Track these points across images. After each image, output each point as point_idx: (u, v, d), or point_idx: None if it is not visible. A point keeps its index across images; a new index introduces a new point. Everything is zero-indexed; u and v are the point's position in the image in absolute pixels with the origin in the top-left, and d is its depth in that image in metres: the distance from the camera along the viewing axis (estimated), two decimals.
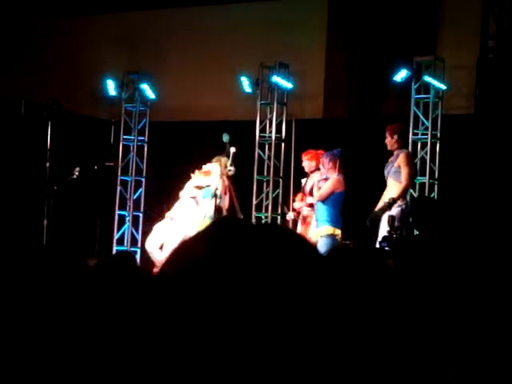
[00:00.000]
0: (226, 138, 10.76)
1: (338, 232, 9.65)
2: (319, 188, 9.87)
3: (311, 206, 10.17)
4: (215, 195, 10.29)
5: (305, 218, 10.31)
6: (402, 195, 9.39)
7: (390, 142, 9.56)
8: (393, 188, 9.41)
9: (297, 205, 10.41)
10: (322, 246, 9.05)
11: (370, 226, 9.28)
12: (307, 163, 10.32)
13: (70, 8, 15.14)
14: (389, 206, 9.02)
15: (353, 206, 9.97)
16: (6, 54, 15.20)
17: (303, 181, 10.52)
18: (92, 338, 1.77)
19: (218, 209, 10.31)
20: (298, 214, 10.48)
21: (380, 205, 9.32)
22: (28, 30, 15.31)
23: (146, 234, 13.09)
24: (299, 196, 10.51)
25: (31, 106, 12.54)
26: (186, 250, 1.24)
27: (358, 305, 1.87)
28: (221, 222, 1.30)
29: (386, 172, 9.53)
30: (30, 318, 1.66)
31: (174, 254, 1.25)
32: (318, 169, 10.20)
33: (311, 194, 10.21)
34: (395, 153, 9.53)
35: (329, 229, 9.60)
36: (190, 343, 1.16)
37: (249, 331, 1.15)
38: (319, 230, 9.68)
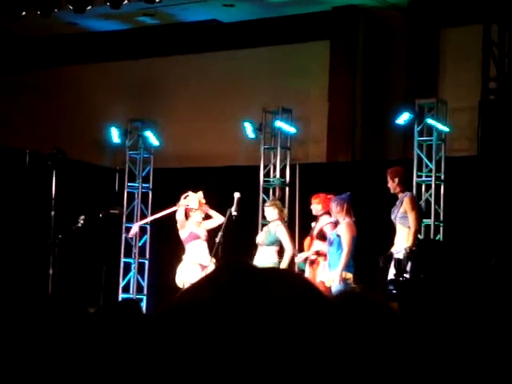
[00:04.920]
0: (275, 181, 11.15)
1: (350, 276, 9.64)
2: (325, 232, 9.93)
3: (317, 252, 10.16)
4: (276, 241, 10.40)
5: (312, 262, 10.28)
6: (415, 240, 9.38)
7: (392, 185, 9.57)
8: (401, 233, 9.40)
9: (304, 254, 10.34)
10: (336, 293, 9.01)
11: (383, 266, 9.26)
12: (315, 206, 10.32)
13: (73, 57, 15.28)
14: (409, 255, 8.95)
15: (360, 249, 9.94)
16: (11, 104, 15.31)
17: (313, 224, 10.51)
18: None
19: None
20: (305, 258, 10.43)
21: (397, 251, 9.26)
22: (31, 80, 15.43)
23: (153, 280, 13.09)
24: (307, 240, 10.48)
25: (36, 156, 12.60)
26: (190, 295, 1.24)
27: (364, 352, 1.86)
28: (227, 266, 1.30)
29: (392, 217, 9.52)
30: (27, 367, 1.65)
31: (177, 297, 1.24)
32: (325, 213, 10.19)
33: (319, 237, 10.21)
34: (399, 197, 9.54)
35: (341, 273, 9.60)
36: None
37: (251, 381, 1.15)
38: (332, 275, 9.67)
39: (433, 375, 2.24)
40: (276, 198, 11.57)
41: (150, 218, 11.17)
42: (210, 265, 10.40)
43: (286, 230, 10.51)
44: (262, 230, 10.83)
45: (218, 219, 10.69)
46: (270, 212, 10.58)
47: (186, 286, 10.37)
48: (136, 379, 1.26)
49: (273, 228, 10.51)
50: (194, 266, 10.64)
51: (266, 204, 10.84)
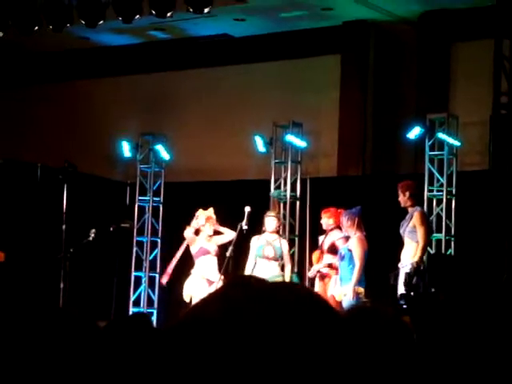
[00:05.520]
0: (275, 194, 11.15)
1: (362, 290, 9.62)
2: (337, 246, 9.93)
3: (330, 265, 10.16)
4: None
5: (323, 277, 10.27)
6: (423, 256, 9.36)
7: (402, 199, 9.55)
8: (409, 248, 9.38)
9: (316, 267, 10.34)
10: (347, 307, 9.01)
11: (394, 283, 9.25)
12: (325, 220, 10.31)
13: (84, 71, 15.35)
14: (416, 270, 8.94)
15: (371, 263, 9.93)
16: (22, 118, 15.37)
17: (320, 238, 10.49)
18: None
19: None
20: (317, 272, 10.42)
21: (403, 265, 9.25)
22: (43, 94, 15.49)
23: (163, 294, 13.07)
24: (316, 253, 10.46)
25: (47, 169, 12.63)
26: (200, 310, 1.23)
27: (377, 365, 1.85)
28: (237, 281, 1.29)
29: (401, 231, 9.51)
30: (38, 381, 1.65)
31: (187, 312, 1.24)
32: (336, 227, 10.18)
33: (329, 251, 10.20)
34: (409, 211, 9.52)
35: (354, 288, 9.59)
36: None
37: None
38: (343, 290, 9.66)
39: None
40: (277, 210, 11.55)
41: (175, 259, 11.10)
42: (218, 280, 10.40)
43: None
44: (258, 243, 10.64)
45: (228, 235, 10.68)
46: (272, 222, 10.55)
47: (194, 300, 10.40)
48: None
49: (276, 242, 10.49)
50: (201, 281, 10.63)
51: (269, 214, 10.74)
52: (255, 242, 10.51)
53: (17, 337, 1.74)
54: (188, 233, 10.83)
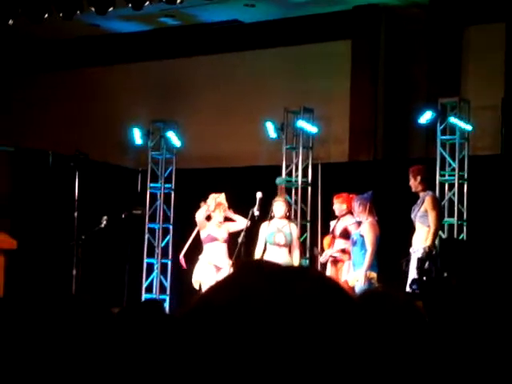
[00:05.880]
0: (279, 181, 11.09)
1: (374, 275, 9.63)
2: (350, 231, 9.94)
3: (343, 250, 10.17)
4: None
5: (336, 262, 10.28)
6: (435, 240, 9.35)
7: (413, 184, 9.53)
8: (420, 232, 9.37)
9: (328, 252, 10.34)
10: (360, 292, 9.02)
11: (405, 269, 9.26)
12: (338, 206, 10.31)
13: (95, 59, 15.35)
14: (428, 254, 8.93)
15: (383, 248, 9.93)
16: (33, 106, 15.39)
17: (332, 223, 10.49)
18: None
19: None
20: (329, 256, 10.42)
21: (415, 250, 9.25)
22: (54, 82, 15.51)
23: (175, 281, 13.10)
24: (328, 238, 10.46)
25: (59, 157, 12.66)
26: (212, 296, 1.23)
27: (389, 350, 1.85)
28: (248, 266, 1.29)
29: (412, 216, 9.50)
30: (51, 367, 1.66)
31: (199, 299, 1.24)
32: (348, 212, 10.19)
33: (341, 236, 10.21)
34: (421, 196, 9.50)
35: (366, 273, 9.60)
36: None
37: (273, 381, 1.14)
38: (356, 275, 9.67)
39: (456, 372, 2.22)
40: (284, 195, 11.50)
41: (188, 242, 11.07)
42: (226, 267, 10.40)
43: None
44: (269, 229, 10.61)
45: (241, 223, 10.63)
46: (280, 208, 10.52)
47: (203, 286, 10.41)
48: (159, 379, 1.25)
49: (286, 228, 10.48)
50: (208, 267, 10.62)
51: (277, 199, 10.70)
52: (265, 228, 10.50)
53: (30, 324, 1.74)
54: (199, 216, 10.77)
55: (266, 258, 10.33)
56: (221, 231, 10.74)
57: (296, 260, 10.42)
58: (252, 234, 10.48)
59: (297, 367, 1.14)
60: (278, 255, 10.33)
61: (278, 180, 11.60)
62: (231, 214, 10.83)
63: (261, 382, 1.13)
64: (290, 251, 10.53)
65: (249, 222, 10.33)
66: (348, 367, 1.17)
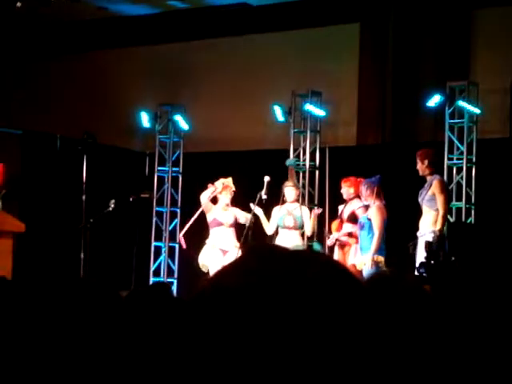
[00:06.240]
0: (289, 162, 11.09)
1: (382, 259, 9.64)
2: (357, 215, 9.94)
3: (350, 234, 10.17)
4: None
5: (343, 245, 10.29)
6: (444, 224, 9.33)
7: (421, 167, 9.50)
8: (428, 216, 9.36)
9: (335, 235, 10.35)
10: (368, 275, 9.03)
11: (413, 253, 9.26)
12: (346, 190, 10.32)
13: (103, 42, 15.32)
14: (439, 238, 8.92)
15: (391, 232, 9.92)
16: (41, 89, 15.39)
17: (340, 207, 10.49)
18: (119, 367, 1.76)
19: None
20: (336, 240, 10.44)
21: (422, 233, 9.24)
22: (62, 65, 15.49)
23: (183, 264, 13.12)
24: (336, 222, 10.47)
25: (66, 140, 12.67)
26: (219, 279, 1.23)
27: (396, 334, 1.85)
28: (256, 250, 1.28)
29: (420, 199, 9.48)
30: (61, 350, 1.66)
31: (207, 282, 1.24)
32: (356, 196, 10.18)
33: (349, 220, 10.21)
34: (428, 179, 9.48)
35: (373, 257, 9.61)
36: (217, 376, 1.15)
37: (282, 364, 1.14)
38: (364, 258, 9.68)
39: (464, 355, 2.22)
40: (294, 180, 11.48)
41: (189, 223, 11.09)
42: (232, 250, 10.42)
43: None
44: (280, 213, 10.65)
45: (243, 220, 10.66)
46: (291, 192, 10.58)
47: (210, 270, 10.44)
48: (168, 362, 1.26)
49: (297, 211, 10.50)
50: (214, 251, 10.64)
51: (287, 184, 10.73)
52: (276, 212, 10.54)
53: (39, 307, 1.75)
54: (204, 197, 10.75)
55: (278, 241, 10.38)
56: (227, 215, 10.73)
57: (308, 230, 10.47)
58: (258, 219, 10.53)
59: (307, 351, 1.14)
60: (289, 238, 10.37)
61: (288, 161, 11.62)
62: (237, 211, 10.80)
63: (270, 366, 1.13)
64: (301, 234, 10.57)
65: (255, 206, 10.37)
66: (357, 350, 1.17)
